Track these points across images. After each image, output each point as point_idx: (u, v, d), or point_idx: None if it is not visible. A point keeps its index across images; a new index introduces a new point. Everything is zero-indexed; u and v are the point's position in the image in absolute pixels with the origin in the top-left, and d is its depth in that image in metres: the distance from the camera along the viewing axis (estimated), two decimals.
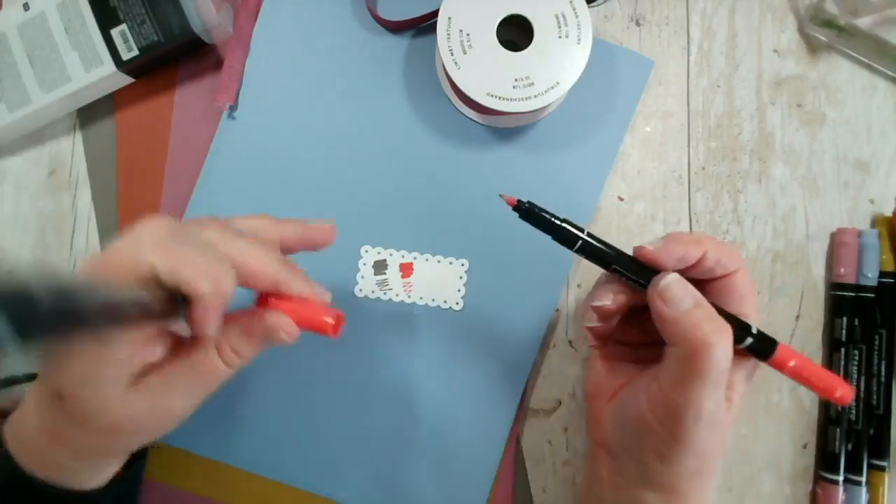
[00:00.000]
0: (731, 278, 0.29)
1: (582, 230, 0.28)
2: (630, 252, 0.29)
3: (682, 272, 0.28)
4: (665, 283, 0.27)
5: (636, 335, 0.32)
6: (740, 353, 0.28)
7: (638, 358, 0.32)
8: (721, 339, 0.26)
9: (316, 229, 0.30)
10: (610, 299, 0.30)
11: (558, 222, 0.28)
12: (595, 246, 0.28)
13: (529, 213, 0.28)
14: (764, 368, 0.41)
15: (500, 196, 0.28)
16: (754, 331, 0.28)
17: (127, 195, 0.41)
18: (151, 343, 0.26)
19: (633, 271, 0.29)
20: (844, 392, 0.28)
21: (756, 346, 0.28)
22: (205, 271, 0.23)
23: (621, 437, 0.30)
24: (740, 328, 0.28)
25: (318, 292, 0.28)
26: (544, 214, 0.28)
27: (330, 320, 0.27)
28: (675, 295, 0.27)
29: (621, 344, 0.33)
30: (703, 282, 0.29)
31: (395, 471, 0.39)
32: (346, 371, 0.39)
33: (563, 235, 0.28)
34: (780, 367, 0.29)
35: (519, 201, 0.28)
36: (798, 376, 0.29)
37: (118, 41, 0.38)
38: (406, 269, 0.39)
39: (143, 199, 0.41)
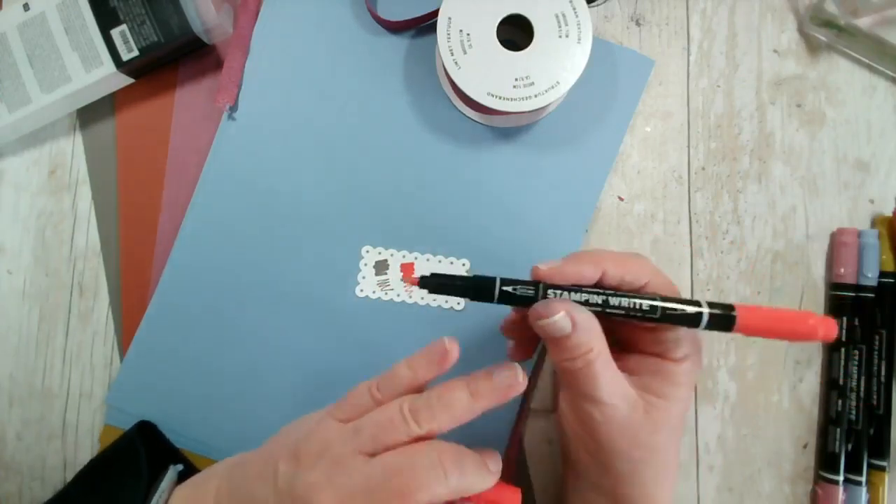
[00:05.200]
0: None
1: (493, 280, 0.27)
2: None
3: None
4: (541, 324, 0.27)
5: None
6: (652, 356, 0.28)
7: None
8: (585, 363, 0.26)
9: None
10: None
11: (460, 283, 0.27)
12: (515, 293, 0.27)
13: (432, 283, 0.27)
14: (763, 369, 0.41)
15: (403, 279, 0.29)
16: (705, 307, 0.26)
17: (127, 195, 0.41)
18: None
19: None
20: (823, 324, 0.25)
21: (715, 321, 0.26)
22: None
23: (568, 442, 0.31)
24: (691, 305, 0.26)
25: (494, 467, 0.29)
26: (446, 281, 0.27)
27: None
28: (555, 328, 0.26)
29: None
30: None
31: None
32: (347, 371, 0.39)
33: (478, 291, 0.27)
34: (750, 331, 0.26)
35: (422, 277, 0.28)
36: (772, 332, 0.26)
37: (118, 41, 0.38)
38: (407, 270, 0.39)
39: (143, 199, 0.41)
